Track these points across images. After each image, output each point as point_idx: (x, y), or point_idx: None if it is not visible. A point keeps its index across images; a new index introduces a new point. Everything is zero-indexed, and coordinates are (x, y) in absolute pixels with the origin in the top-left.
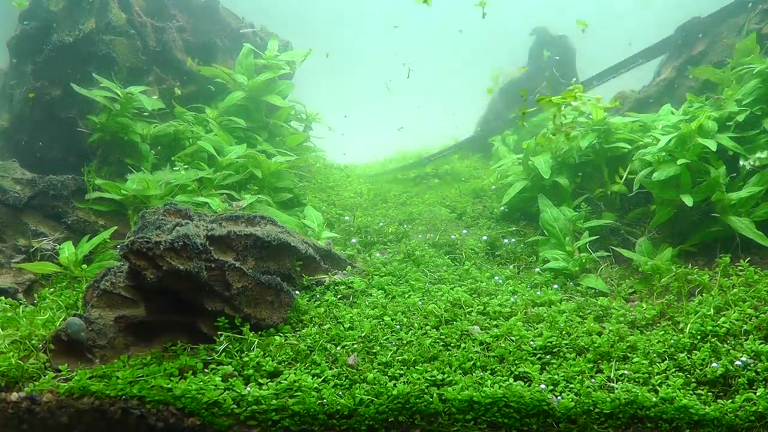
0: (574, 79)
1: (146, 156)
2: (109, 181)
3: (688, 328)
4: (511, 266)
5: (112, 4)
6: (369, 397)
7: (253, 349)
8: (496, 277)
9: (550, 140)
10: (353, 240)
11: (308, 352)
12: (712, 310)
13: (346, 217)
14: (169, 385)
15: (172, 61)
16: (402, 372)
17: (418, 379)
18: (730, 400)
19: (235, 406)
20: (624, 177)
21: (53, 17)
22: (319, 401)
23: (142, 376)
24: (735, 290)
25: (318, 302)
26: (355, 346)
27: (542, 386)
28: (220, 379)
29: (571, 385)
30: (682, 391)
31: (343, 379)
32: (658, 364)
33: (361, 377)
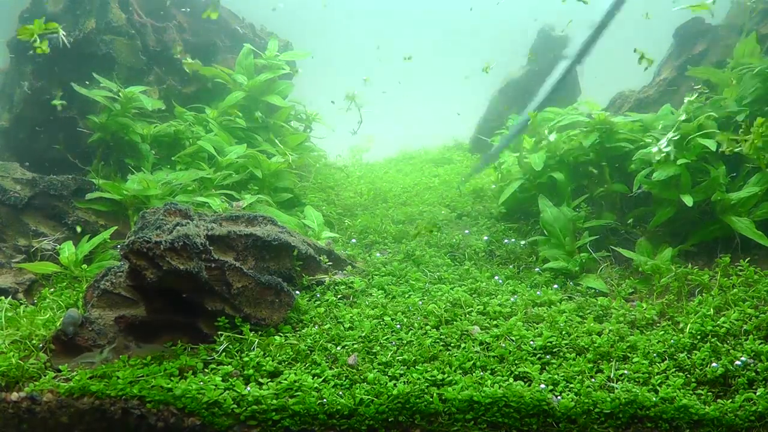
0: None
1: (146, 156)
2: (109, 181)
3: (688, 328)
4: (511, 266)
5: (112, 4)
6: (369, 397)
7: (254, 349)
8: (496, 277)
9: (550, 140)
10: (353, 240)
11: (308, 352)
12: (712, 310)
13: (346, 220)
14: (170, 385)
15: (172, 61)
16: (402, 372)
17: (418, 379)
18: (730, 400)
19: (235, 406)
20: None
21: (53, 17)
22: (319, 401)
23: (143, 376)
24: (735, 290)
25: (318, 302)
26: (355, 346)
27: (542, 386)
28: (221, 379)
29: (571, 385)
30: (682, 390)
31: (343, 379)
32: (658, 364)
33: (361, 377)
